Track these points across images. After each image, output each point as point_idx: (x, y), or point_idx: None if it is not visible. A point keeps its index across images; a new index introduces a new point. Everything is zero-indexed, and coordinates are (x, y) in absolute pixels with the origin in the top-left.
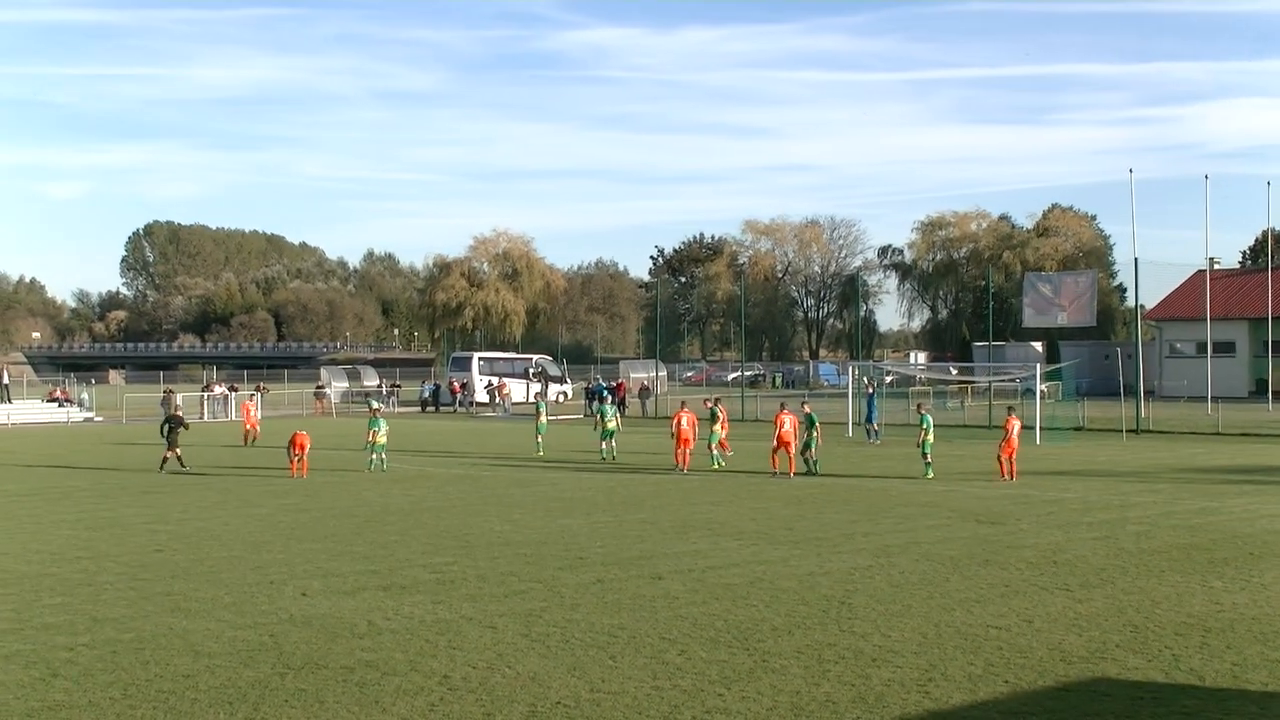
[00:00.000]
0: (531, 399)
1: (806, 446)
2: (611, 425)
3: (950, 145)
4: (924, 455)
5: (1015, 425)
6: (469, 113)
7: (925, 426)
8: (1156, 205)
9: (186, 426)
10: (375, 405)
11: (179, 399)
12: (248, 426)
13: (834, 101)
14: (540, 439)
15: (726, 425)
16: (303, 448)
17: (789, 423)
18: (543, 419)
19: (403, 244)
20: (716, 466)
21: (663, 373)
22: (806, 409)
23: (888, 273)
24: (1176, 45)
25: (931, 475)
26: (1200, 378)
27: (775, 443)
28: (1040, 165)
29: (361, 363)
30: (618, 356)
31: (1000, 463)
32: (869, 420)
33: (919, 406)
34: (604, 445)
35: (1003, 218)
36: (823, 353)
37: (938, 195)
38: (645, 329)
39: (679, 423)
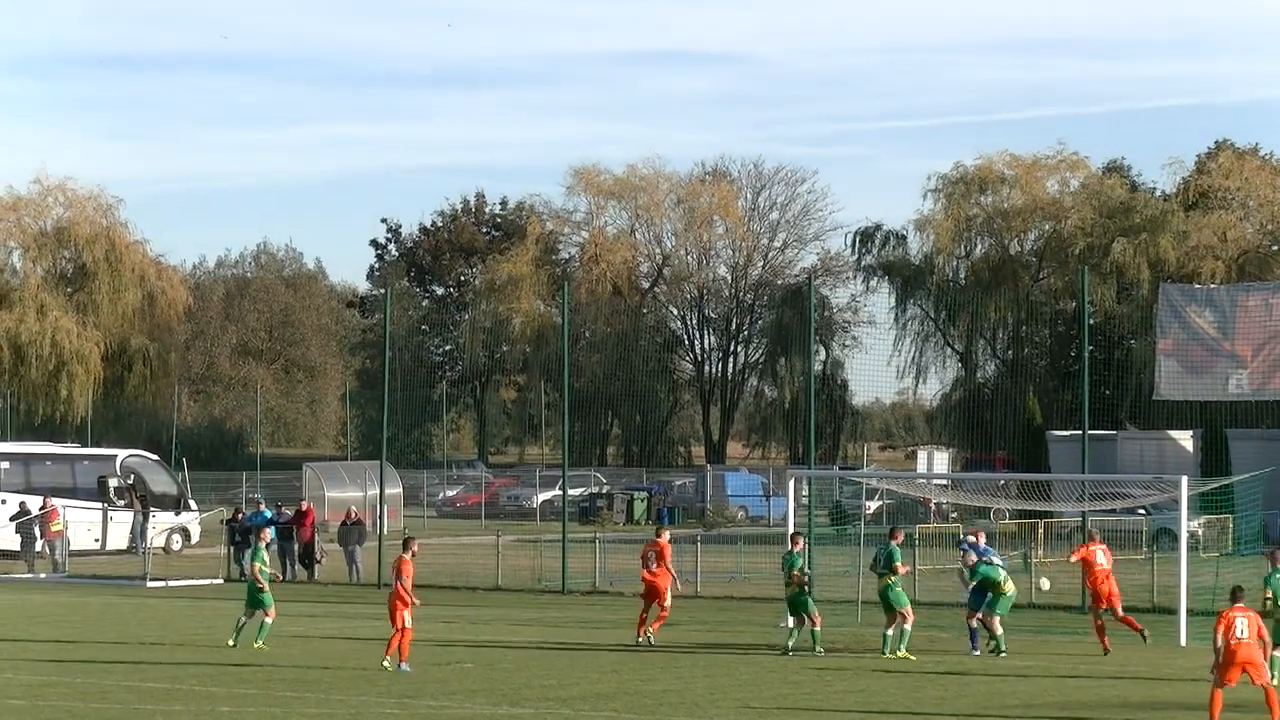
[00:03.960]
0: (126, 539)
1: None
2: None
3: (1004, 16)
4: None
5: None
6: None
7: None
8: None
9: None
10: None
11: None
12: None
13: None
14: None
15: None
16: None
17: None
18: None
19: None
20: None
21: (394, 488)
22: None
23: (874, 281)
24: None
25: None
26: None
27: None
28: (1190, 57)
29: None
30: (302, 454)
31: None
32: (982, 604)
33: (891, 534)
34: (243, 623)
35: (1114, 169)
36: (735, 448)
37: (976, 121)
38: (357, 397)
39: None
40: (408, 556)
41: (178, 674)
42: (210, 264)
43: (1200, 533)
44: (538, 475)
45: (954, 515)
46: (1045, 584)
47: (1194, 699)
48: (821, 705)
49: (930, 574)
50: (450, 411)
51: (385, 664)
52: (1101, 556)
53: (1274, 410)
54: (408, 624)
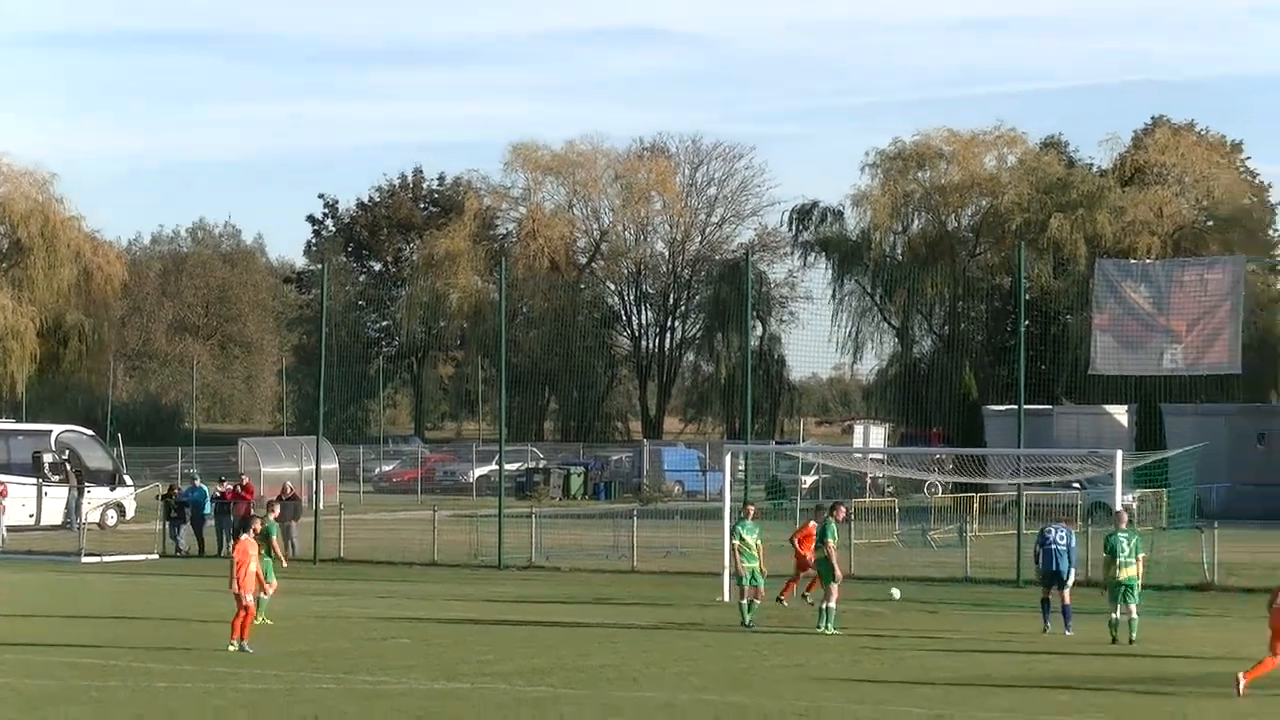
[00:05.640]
0: (60, 514)
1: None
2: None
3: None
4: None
5: None
6: None
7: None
8: None
9: None
10: None
11: None
12: None
13: None
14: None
15: None
16: None
17: None
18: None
19: None
20: None
21: (330, 464)
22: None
23: (811, 256)
24: None
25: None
26: None
27: None
28: (1128, 34)
29: None
30: (239, 430)
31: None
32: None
33: (832, 509)
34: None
35: (1052, 145)
36: (672, 423)
37: (915, 99)
38: (294, 373)
39: None
40: (249, 537)
41: (113, 650)
42: (146, 240)
43: (1134, 507)
44: (474, 450)
45: (890, 489)
46: (896, 594)
47: (1126, 673)
48: (760, 678)
49: (865, 549)
50: (387, 387)
51: (231, 647)
52: None
53: (1208, 385)
54: (249, 603)
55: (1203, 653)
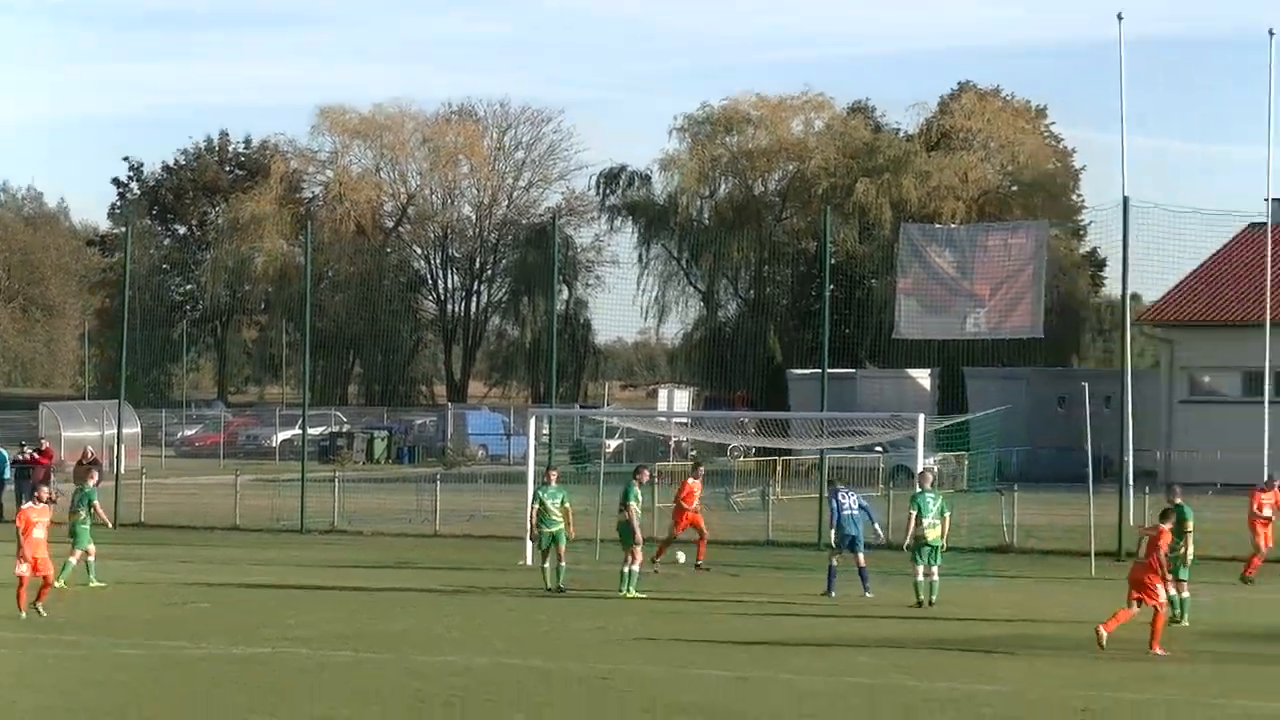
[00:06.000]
0: None
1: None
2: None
3: None
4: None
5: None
6: None
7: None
8: (1175, 93)
9: None
10: None
11: None
12: None
13: None
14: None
15: None
16: None
17: None
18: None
19: None
20: None
21: (132, 428)
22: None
23: (618, 220)
24: None
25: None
26: (1249, 441)
27: None
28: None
29: None
30: (39, 394)
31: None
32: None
33: (635, 473)
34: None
35: (859, 110)
36: (477, 387)
37: (723, 64)
38: (96, 337)
39: None
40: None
41: None
42: None
43: (936, 470)
44: (278, 415)
45: (694, 453)
46: (681, 557)
47: (929, 634)
48: (563, 641)
49: (669, 512)
50: (190, 351)
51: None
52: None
53: (1010, 349)
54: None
55: (1003, 615)
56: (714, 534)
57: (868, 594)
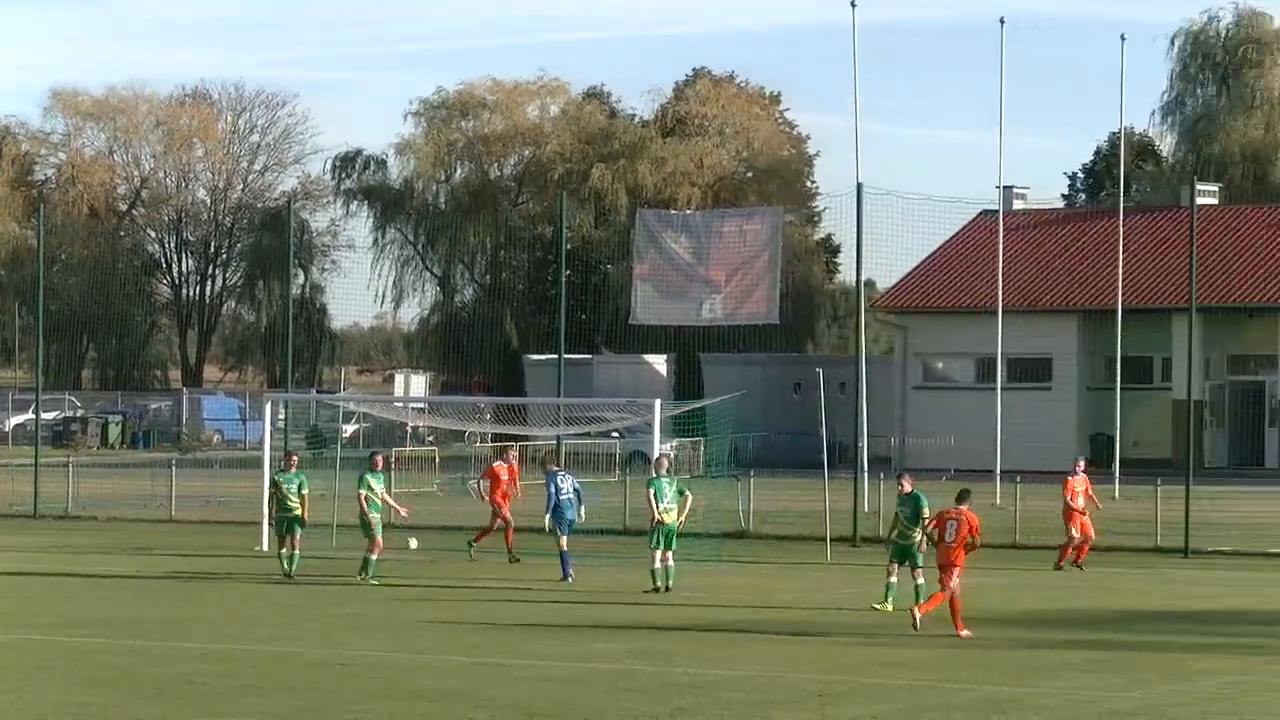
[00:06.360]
0: None
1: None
2: None
3: None
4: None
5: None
6: None
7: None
8: (909, 79)
9: None
10: None
11: None
12: None
13: None
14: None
15: None
16: None
17: None
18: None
19: None
20: None
21: None
22: None
23: (354, 205)
24: None
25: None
26: (982, 427)
27: None
28: None
29: None
30: None
31: None
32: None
33: (370, 459)
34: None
35: (594, 95)
36: (213, 372)
37: (459, 47)
38: None
39: None
40: None
41: None
42: None
43: (672, 455)
44: (10, 399)
45: (430, 439)
46: (413, 544)
47: (666, 619)
48: (300, 628)
49: (406, 498)
50: None
51: None
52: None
53: (745, 335)
54: None
55: (740, 600)
56: (451, 519)
57: (569, 579)
